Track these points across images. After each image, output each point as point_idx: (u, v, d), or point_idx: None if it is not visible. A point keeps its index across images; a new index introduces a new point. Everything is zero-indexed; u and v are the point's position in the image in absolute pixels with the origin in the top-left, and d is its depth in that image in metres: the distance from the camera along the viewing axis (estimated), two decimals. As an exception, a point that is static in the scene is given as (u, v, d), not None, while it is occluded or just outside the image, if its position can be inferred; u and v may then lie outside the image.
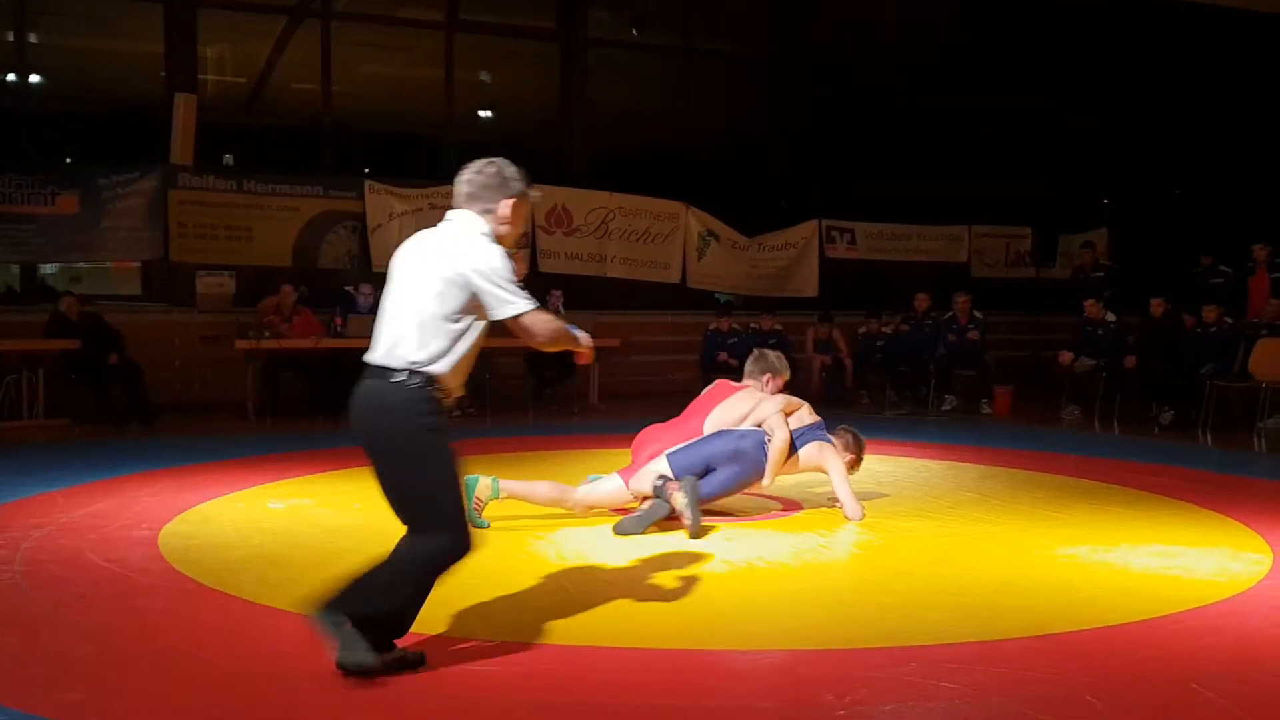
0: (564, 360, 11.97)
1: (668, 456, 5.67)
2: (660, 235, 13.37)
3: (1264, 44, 14.43)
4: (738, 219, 13.79)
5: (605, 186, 13.21)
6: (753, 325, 12.72)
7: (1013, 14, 14.45)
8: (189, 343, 11.27)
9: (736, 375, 12.17)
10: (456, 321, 3.31)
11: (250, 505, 6.19)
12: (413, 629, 3.54)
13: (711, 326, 12.53)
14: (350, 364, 10.54)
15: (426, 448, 3.27)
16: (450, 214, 3.48)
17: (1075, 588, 4.57)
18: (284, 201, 11.70)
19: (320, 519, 5.87)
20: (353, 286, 11.28)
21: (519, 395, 11.91)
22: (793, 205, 14.26)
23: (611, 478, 5.86)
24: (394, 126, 14.39)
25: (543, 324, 3.36)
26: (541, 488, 5.79)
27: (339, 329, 10.55)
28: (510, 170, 3.47)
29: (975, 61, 14.37)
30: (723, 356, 12.27)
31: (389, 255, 13.97)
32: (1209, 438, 9.67)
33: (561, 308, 11.91)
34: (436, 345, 3.29)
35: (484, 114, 14.60)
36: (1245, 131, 14.87)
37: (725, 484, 5.67)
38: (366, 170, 12.64)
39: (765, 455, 5.70)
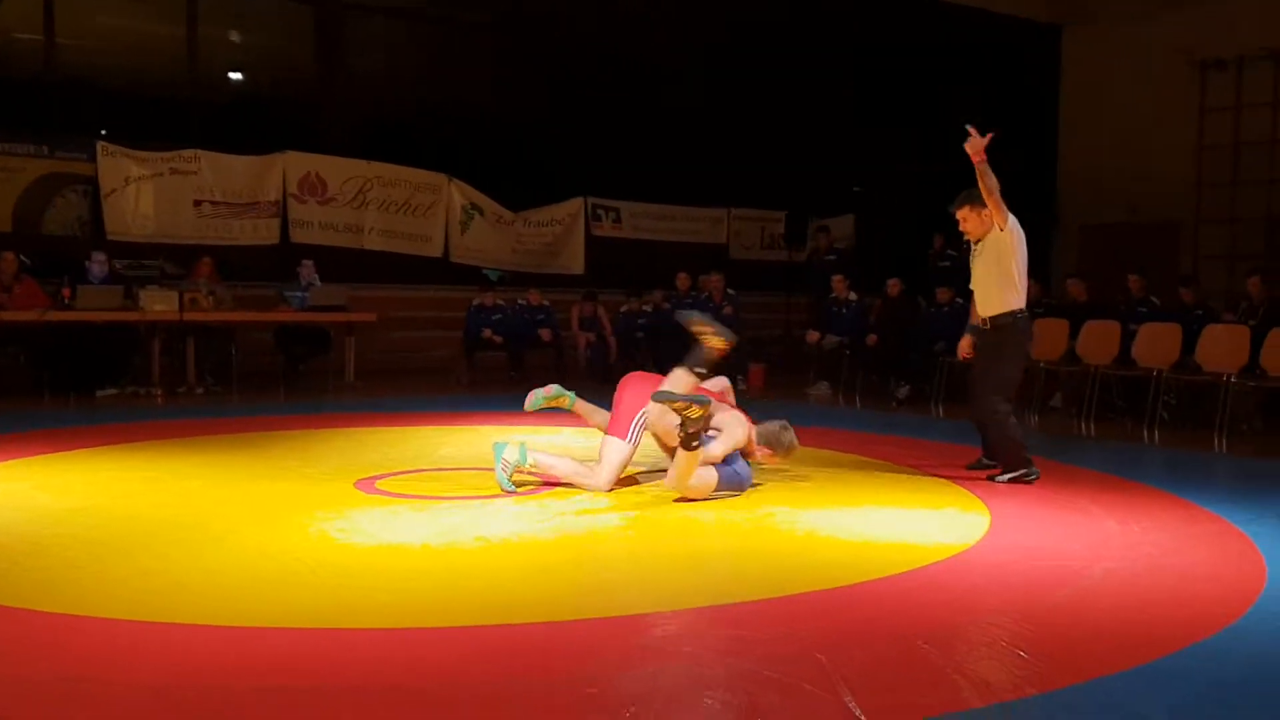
0: (315, 335, 11.55)
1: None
2: (421, 207, 13.09)
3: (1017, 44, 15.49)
4: (503, 193, 13.68)
5: (364, 155, 12.81)
6: (520, 301, 12.67)
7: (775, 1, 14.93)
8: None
9: (500, 351, 12.19)
10: None
11: (-44, 491, 5.65)
12: (144, 618, 3.29)
13: (475, 302, 12.38)
14: (80, 336, 9.97)
15: None
16: None
17: (811, 551, 4.77)
18: (2, 161, 10.80)
19: (38, 504, 5.42)
20: (85, 255, 10.53)
21: (268, 373, 11.40)
22: (559, 181, 14.27)
23: (608, 444, 5.87)
24: (133, 85, 13.41)
25: None
26: (563, 465, 5.90)
27: (67, 300, 9.84)
28: None
29: (739, 46, 14.76)
30: (487, 333, 12.16)
31: (125, 222, 13.00)
32: (940, 410, 10.35)
33: (316, 279, 11.48)
34: None
35: (234, 76, 13.85)
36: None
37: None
38: (104, 132, 11.76)
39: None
